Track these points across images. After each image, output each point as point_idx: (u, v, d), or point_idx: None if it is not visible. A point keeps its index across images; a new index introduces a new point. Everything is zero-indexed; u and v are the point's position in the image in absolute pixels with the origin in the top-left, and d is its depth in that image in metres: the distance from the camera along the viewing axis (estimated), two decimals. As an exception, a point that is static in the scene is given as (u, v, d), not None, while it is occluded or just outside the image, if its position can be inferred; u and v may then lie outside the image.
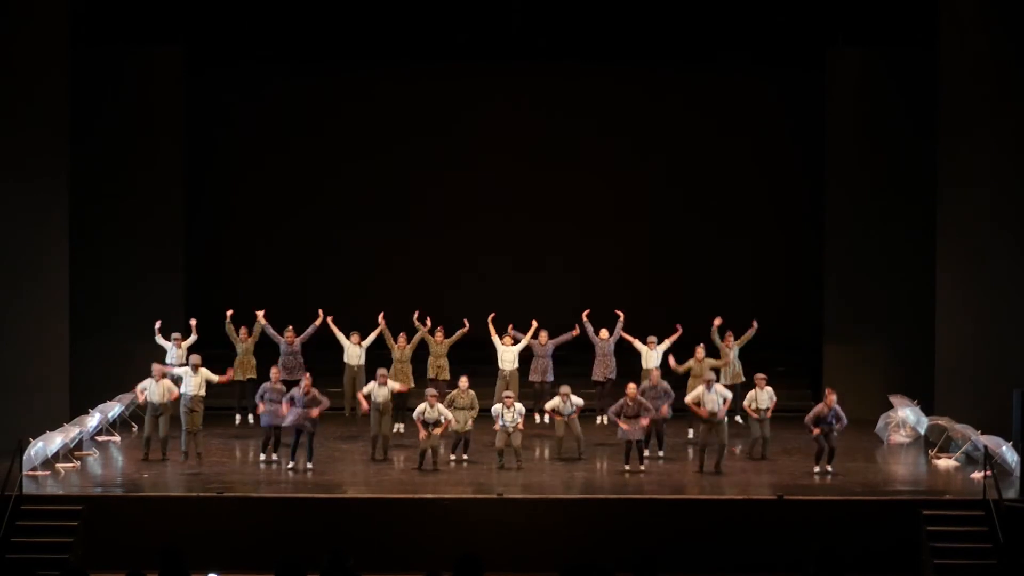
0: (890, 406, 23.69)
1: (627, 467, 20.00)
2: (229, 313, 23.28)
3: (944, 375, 23.76)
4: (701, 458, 20.17)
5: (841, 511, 18.10)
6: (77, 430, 21.28)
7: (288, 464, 20.17)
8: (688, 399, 20.77)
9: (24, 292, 22.35)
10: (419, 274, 28.54)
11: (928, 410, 23.20)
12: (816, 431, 20.06)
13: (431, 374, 23.10)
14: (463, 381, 20.90)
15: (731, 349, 23.35)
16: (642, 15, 27.02)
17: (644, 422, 19.91)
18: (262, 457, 20.67)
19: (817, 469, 19.99)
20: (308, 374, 20.96)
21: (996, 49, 22.65)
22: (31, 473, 19.39)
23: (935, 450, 21.74)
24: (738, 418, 23.13)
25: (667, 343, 23.02)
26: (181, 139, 27.03)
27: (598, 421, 23.20)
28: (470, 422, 20.62)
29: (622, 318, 23.55)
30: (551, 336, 23.45)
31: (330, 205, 28.61)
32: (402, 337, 23.03)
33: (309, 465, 20.05)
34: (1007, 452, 19.58)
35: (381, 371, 21.24)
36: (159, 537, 16.44)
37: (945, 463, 21.27)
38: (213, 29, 27.04)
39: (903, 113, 26.34)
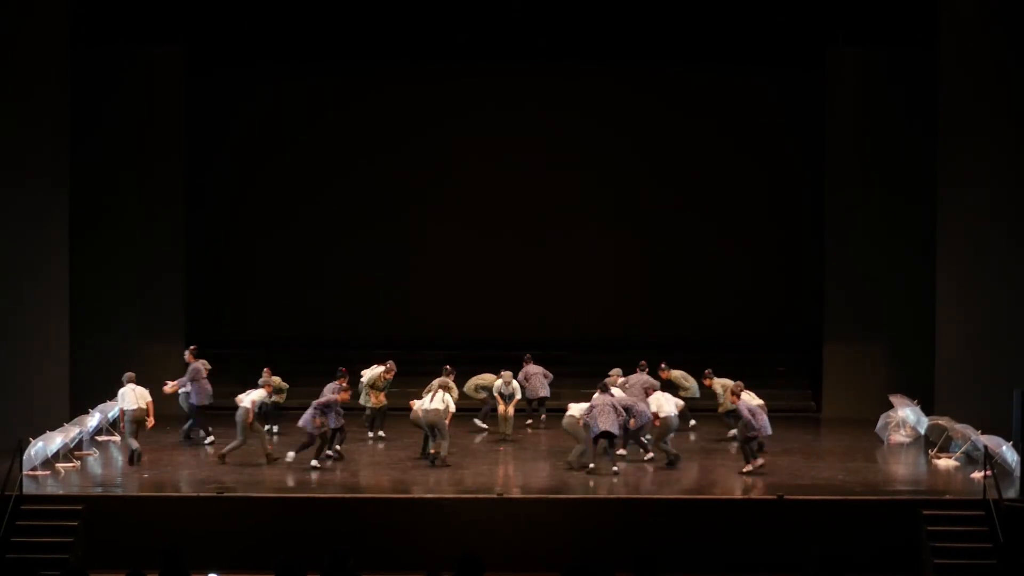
0: (890, 406, 23.68)
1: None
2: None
3: (944, 375, 23.75)
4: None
5: (841, 511, 18.08)
6: (77, 430, 21.27)
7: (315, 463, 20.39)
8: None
9: (24, 292, 22.34)
10: (419, 274, 28.58)
11: (928, 410, 23.20)
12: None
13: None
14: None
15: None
16: (642, 15, 27.02)
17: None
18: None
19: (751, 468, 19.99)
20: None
21: (996, 49, 22.63)
22: (31, 473, 19.38)
23: (935, 450, 21.73)
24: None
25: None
26: (181, 139, 27.04)
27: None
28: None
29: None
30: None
31: (331, 205, 28.62)
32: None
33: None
34: (1007, 452, 19.57)
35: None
36: (159, 537, 16.44)
37: (945, 463, 21.26)
38: (213, 29, 27.05)
39: (903, 113, 26.35)
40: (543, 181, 28.51)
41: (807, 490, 18.88)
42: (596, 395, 20.17)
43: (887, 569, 17.52)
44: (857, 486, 19.23)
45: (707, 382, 22.81)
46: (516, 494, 18.69)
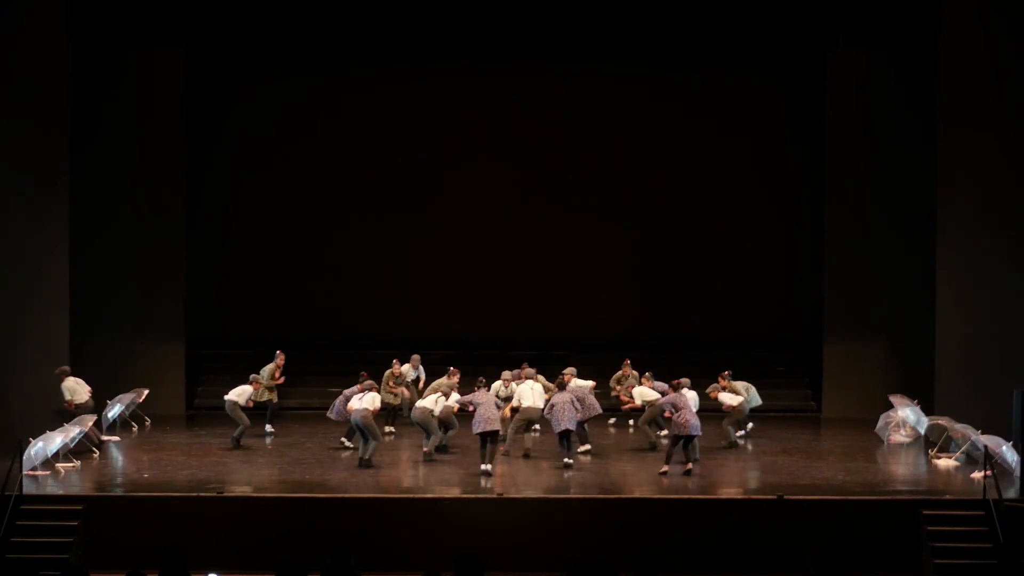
0: (890, 406, 23.69)
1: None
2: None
3: (944, 375, 23.75)
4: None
5: (841, 511, 18.09)
6: (77, 430, 21.26)
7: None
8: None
9: (25, 292, 22.33)
10: (417, 274, 28.57)
11: (928, 410, 23.19)
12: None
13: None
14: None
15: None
16: (642, 15, 27.00)
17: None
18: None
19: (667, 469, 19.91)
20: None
21: (996, 49, 22.63)
22: (31, 473, 19.38)
23: (935, 450, 21.73)
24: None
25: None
26: (181, 138, 27.01)
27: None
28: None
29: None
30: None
31: (331, 204, 28.61)
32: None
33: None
34: (1007, 452, 19.57)
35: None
36: (159, 537, 16.46)
37: (945, 463, 21.26)
38: (213, 29, 27.02)
39: (903, 113, 26.34)
40: (544, 181, 28.51)
41: (807, 490, 18.88)
42: (555, 393, 20.80)
43: (887, 569, 17.53)
44: (857, 486, 19.23)
45: (723, 383, 22.81)
46: (516, 494, 18.70)
